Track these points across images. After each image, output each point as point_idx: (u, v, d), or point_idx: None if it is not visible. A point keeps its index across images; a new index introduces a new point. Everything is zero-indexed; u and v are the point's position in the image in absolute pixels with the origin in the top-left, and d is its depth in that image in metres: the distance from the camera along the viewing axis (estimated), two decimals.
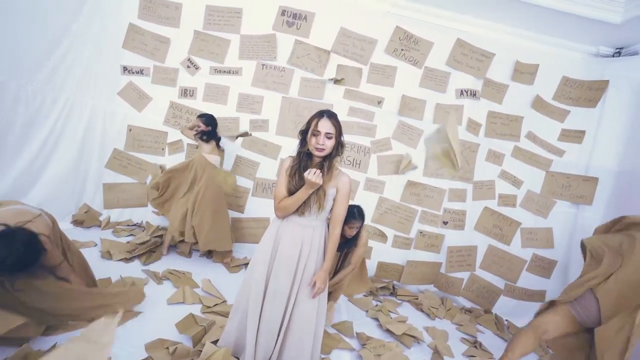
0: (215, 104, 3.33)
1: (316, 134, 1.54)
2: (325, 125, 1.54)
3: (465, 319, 3.03)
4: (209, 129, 2.88)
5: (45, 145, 2.99)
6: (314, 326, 1.65)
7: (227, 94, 3.33)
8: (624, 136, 3.09)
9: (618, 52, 3.24)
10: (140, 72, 3.30)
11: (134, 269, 2.58)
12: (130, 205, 3.35)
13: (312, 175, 1.46)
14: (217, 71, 3.32)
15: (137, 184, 3.36)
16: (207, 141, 2.89)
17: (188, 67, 3.32)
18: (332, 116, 1.58)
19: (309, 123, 1.59)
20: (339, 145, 1.61)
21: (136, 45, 3.26)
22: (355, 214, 2.26)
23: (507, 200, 3.40)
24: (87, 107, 3.15)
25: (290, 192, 1.57)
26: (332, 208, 1.63)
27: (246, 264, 3.09)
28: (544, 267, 3.33)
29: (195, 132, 2.87)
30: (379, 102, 3.28)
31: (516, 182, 3.40)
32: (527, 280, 3.32)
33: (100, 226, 3.15)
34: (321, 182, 1.47)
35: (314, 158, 1.59)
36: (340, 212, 1.62)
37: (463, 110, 3.28)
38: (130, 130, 3.30)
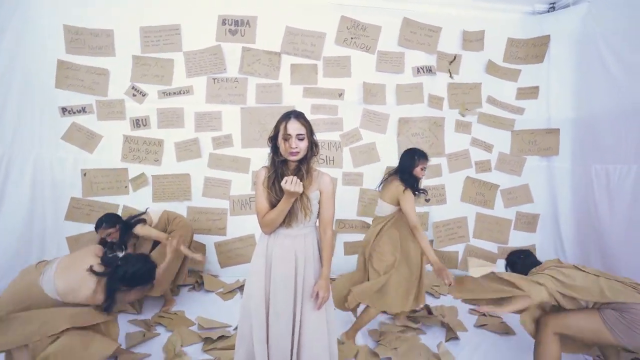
0: (172, 128, 3.14)
1: (287, 137, 1.43)
2: (294, 127, 1.44)
3: None
4: (117, 232, 2.43)
5: None
6: (327, 338, 1.56)
7: (182, 115, 3.14)
8: (573, 85, 3.23)
9: (552, 7, 3.37)
10: (83, 110, 3.04)
11: (121, 324, 2.36)
12: None
13: (290, 184, 1.35)
14: (167, 94, 3.13)
15: None
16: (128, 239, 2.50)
17: (134, 95, 3.10)
18: (299, 116, 1.49)
19: (276, 128, 1.48)
20: (313, 145, 1.52)
21: (71, 83, 3.00)
22: (421, 152, 2.27)
23: (483, 166, 3.47)
24: (28, 159, 2.85)
25: (273, 205, 1.46)
26: (319, 211, 1.54)
27: (240, 288, 2.94)
28: (528, 222, 3.43)
29: (113, 243, 2.42)
30: (340, 94, 3.22)
31: (487, 147, 3.47)
32: (517, 238, 3.41)
33: None
34: (301, 190, 1.36)
35: (290, 164, 1.49)
36: (329, 214, 1.53)
37: (422, 87, 3.30)
38: (85, 174, 3.04)
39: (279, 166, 1.48)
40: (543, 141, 3.36)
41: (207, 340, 2.14)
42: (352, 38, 3.20)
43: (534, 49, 3.35)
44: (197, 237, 3.15)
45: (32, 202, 2.87)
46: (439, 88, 3.36)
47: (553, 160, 3.35)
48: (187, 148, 3.17)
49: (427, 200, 3.30)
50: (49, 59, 2.92)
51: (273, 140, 1.50)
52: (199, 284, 2.99)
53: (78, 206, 3.02)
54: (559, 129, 3.29)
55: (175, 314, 2.48)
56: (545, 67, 3.33)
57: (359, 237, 3.26)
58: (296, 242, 1.52)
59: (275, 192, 1.46)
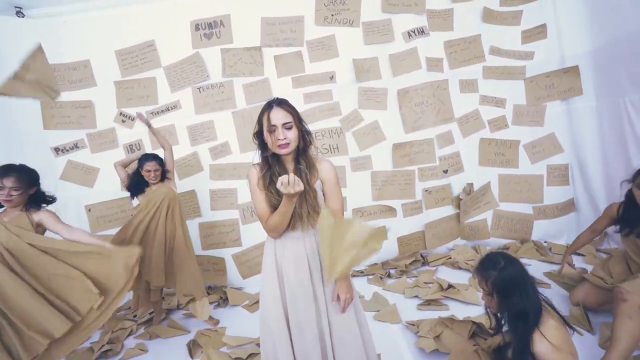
0: None
1: (272, 129, 1.27)
2: (278, 116, 1.27)
3: None
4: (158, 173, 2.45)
5: None
6: (361, 340, 1.39)
7: (175, 132, 3.04)
8: (586, 13, 2.89)
9: None
10: (75, 146, 2.98)
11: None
12: None
13: (288, 185, 1.11)
14: (155, 114, 3.03)
15: None
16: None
17: (123, 121, 3.02)
18: (282, 103, 1.31)
19: (259, 121, 1.31)
20: (305, 134, 1.34)
21: (59, 122, 2.94)
22: None
23: (498, 124, 3.19)
24: None
25: (274, 206, 1.29)
26: (326, 203, 1.35)
27: None
28: (562, 174, 3.13)
29: (152, 178, 2.41)
30: (332, 78, 3.02)
31: (499, 102, 3.19)
32: (552, 194, 3.12)
33: None
34: (301, 188, 1.14)
35: (284, 158, 1.32)
36: (337, 204, 1.35)
37: (417, 52, 3.05)
38: (89, 210, 2.99)
39: (273, 163, 1.31)
40: (561, 83, 3.05)
41: None
42: (332, 15, 2.99)
43: None
44: (213, 252, 3.05)
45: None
46: (436, 49, 3.10)
47: (576, 101, 3.03)
48: (187, 164, 3.07)
49: (445, 172, 3.08)
50: (31, 101, 2.86)
51: (259, 135, 1.33)
52: (223, 300, 2.89)
53: None
54: (577, 66, 2.97)
55: (216, 331, 2.38)
56: (550, 0, 3.00)
57: (379, 223, 3.06)
58: (306, 244, 1.36)
59: (273, 192, 1.29)
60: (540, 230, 3.14)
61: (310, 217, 1.31)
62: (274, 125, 1.26)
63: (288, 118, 1.27)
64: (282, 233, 1.34)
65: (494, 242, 3.18)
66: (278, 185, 1.13)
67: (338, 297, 1.35)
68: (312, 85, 3.02)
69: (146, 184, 2.46)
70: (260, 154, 1.35)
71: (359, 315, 1.44)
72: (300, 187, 1.13)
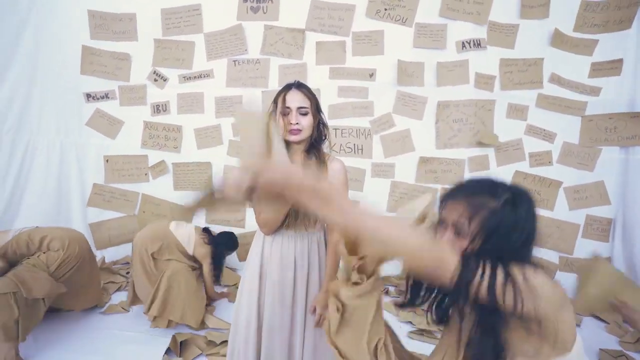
0: (192, 114, 3.01)
1: (286, 112, 1.16)
2: (295, 98, 1.16)
3: None
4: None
5: (13, 195, 2.76)
6: None
7: (202, 100, 3.00)
8: None
9: None
10: (106, 96, 3.02)
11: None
12: (123, 241, 3.07)
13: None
14: (187, 78, 3.00)
15: (126, 217, 3.07)
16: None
17: (155, 80, 3.01)
18: (302, 86, 1.21)
19: (275, 101, 1.21)
20: (321, 125, 1.23)
21: (95, 69, 2.98)
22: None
23: (541, 159, 2.91)
24: (54, 145, 2.89)
25: None
26: None
27: None
28: (602, 228, 2.81)
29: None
30: (371, 75, 2.86)
31: (548, 136, 2.89)
32: (585, 248, 2.81)
33: None
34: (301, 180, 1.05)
35: (293, 147, 1.20)
36: None
37: (468, 65, 2.81)
38: (107, 161, 3.03)
39: None
40: (626, 128, 2.71)
41: (210, 344, 1.96)
42: (385, 9, 2.80)
43: (617, 13, 2.69)
44: (215, 227, 3.01)
45: (58, 189, 2.91)
46: (490, 65, 2.84)
47: (637, 151, 2.69)
48: (208, 135, 3.03)
49: None
50: (74, 45, 2.91)
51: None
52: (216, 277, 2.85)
53: (100, 192, 3.02)
54: None
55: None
56: (633, 33, 2.66)
57: None
58: (297, 245, 1.24)
59: None
60: (564, 284, 2.85)
61: (306, 218, 1.20)
62: (288, 108, 1.16)
63: (305, 103, 1.17)
64: (274, 230, 1.23)
65: None
66: None
67: (315, 309, 1.23)
68: (350, 79, 2.87)
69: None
70: None
71: None
72: (300, 175, 1.01)
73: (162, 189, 3.04)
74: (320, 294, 1.22)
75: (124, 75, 3.00)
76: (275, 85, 2.93)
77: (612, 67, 2.75)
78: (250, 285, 1.27)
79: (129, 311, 2.26)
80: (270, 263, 1.25)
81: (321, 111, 1.25)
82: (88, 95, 3.00)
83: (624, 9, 2.67)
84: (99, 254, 3.01)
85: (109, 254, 3.03)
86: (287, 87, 1.20)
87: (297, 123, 1.15)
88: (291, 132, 1.16)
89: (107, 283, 2.64)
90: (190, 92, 2.99)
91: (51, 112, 2.87)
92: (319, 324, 1.21)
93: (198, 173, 3.06)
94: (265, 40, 2.91)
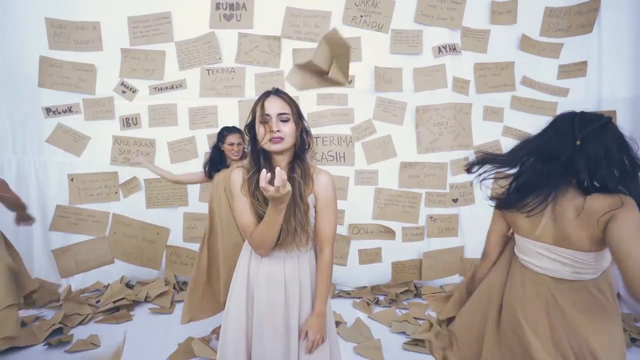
0: (165, 126, 2.85)
1: (265, 119, 1.07)
2: (274, 105, 1.08)
3: None
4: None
5: None
6: None
7: (176, 112, 2.85)
8: (631, 56, 2.69)
9: None
10: (69, 110, 2.80)
11: None
12: (92, 266, 2.84)
13: (275, 188, 0.90)
14: (158, 89, 2.85)
15: (95, 240, 2.84)
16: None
17: (124, 92, 2.84)
18: (281, 92, 1.12)
19: (253, 110, 1.12)
20: (304, 133, 1.14)
21: (55, 81, 2.76)
22: None
23: None
24: (11, 165, 2.63)
25: (261, 217, 1.06)
26: (315, 223, 1.15)
27: None
28: None
29: (235, 153, 2.09)
30: (350, 82, 2.83)
31: (523, 136, 2.96)
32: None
33: (59, 300, 2.62)
34: (288, 190, 0.92)
35: (276, 159, 1.11)
36: (328, 228, 1.14)
37: (445, 69, 2.85)
38: (72, 180, 2.80)
39: (264, 164, 1.09)
40: None
41: None
42: (361, 16, 2.80)
43: (579, 18, 2.83)
44: (193, 246, 2.84)
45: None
46: (465, 70, 2.90)
47: None
48: (182, 148, 2.88)
49: (455, 201, 2.86)
50: (30, 55, 2.69)
51: (251, 128, 1.13)
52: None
53: (64, 215, 2.78)
54: (614, 111, 2.74)
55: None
56: (595, 37, 2.80)
57: (377, 243, 2.84)
58: (287, 266, 1.14)
59: (260, 199, 1.08)
60: None
61: (297, 236, 1.10)
62: (267, 115, 1.07)
63: (285, 109, 1.08)
64: (270, 250, 1.10)
65: None
66: (261, 185, 0.90)
67: (307, 334, 1.13)
68: (329, 87, 2.82)
69: (226, 160, 2.14)
70: (250, 150, 1.14)
71: (333, 355, 1.22)
72: (287, 188, 0.92)
73: (134, 207, 2.84)
74: (312, 318, 1.12)
75: (88, 87, 2.80)
76: (252, 95, 2.84)
77: (578, 68, 2.88)
78: (236, 314, 1.15)
79: (99, 346, 2.05)
80: (257, 286, 1.14)
81: (303, 118, 1.16)
82: (48, 110, 2.77)
83: (584, 14, 2.81)
84: (64, 282, 2.77)
85: (75, 282, 2.78)
86: (266, 94, 1.11)
87: (278, 130, 1.05)
88: (273, 140, 1.06)
89: (70, 315, 2.40)
90: (162, 104, 2.84)
91: (6, 129, 2.62)
92: (311, 350, 1.11)
93: (172, 189, 2.89)
94: (240, 48, 2.82)
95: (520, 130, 2.96)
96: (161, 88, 2.85)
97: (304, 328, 1.11)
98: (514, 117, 2.96)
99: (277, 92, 1.11)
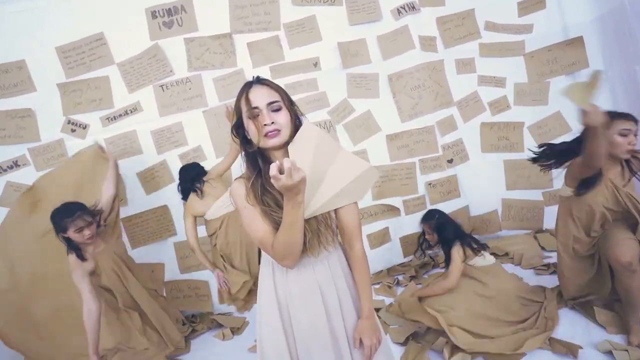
0: (130, 157, 2.59)
1: (254, 113, 0.91)
2: (261, 94, 0.92)
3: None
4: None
5: None
6: None
7: (137, 139, 2.60)
8: None
9: None
10: (15, 165, 2.49)
11: None
12: None
13: (285, 175, 0.75)
14: (111, 119, 2.57)
15: None
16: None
17: (73, 130, 2.55)
18: (263, 80, 0.97)
19: (237, 108, 0.96)
20: (297, 120, 0.99)
21: None
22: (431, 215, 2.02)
23: (499, 105, 2.93)
24: None
25: (278, 223, 0.91)
26: (338, 220, 1.01)
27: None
28: None
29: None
30: (315, 64, 2.66)
31: (499, 82, 2.92)
32: (560, 178, 2.87)
33: None
34: (303, 175, 0.78)
35: (273, 155, 0.96)
36: (351, 219, 1.00)
37: (409, 30, 2.73)
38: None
39: (264, 166, 0.94)
40: (565, 56, 2.80)
41: None
42: None
43: None
44: (195, 275, 2.64)
45: None
46: (429, 26, 2.79)
47: (583, 74, 2.80)
48: (154, 176, 2.64)
49: (450, 162, 2.79)
50: None
51: (239, 129, 0.97)
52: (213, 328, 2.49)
53: None
54: (581, 37, 2.73)
55: None
56: None
57: (383, 224, 2.74)
58: (317, 272, 1.00)
59: (271, 203, 0.93)
60: (553, 217, 2.89)
61: (322, 235, 0.96)
62: (255, 108, 0.91)
63: (274, 96, 0.94)
64: (297, 258, 0.93)
65: (507, 236, 2.92)
66: (271, 173, 0.75)
67: (361, 342, 0.99)
68: (294, 75, 2.65)
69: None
70: (244, 154, 0.98)
71: (388, 356, 1.09)
72: (301, 173, 0.77)
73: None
74: (362, 322, 0.99)
75: (30, 135, 2.49)
76: (215, 102, 2.62)
77: (536, 1, 2.83)
78: (274, 334, 1.00)
79: None
80: (293, 307, 0.99)
81: (294, 103, 1.01)
82: None
83: None
84: None
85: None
86: (247, 86, 0.95)
87: (272, 122, 0.91)
88: (268, 135, 0.91)
89: None
90: (120, 133, 2.57)
91: None
92: (370, 357, 0.98)
93: (155, 221, 2.66)
94: (190, 55, 2.58)
95: (495, 77, 2.91)
96: (114, 117, 2.57)
97: (355, 335, 0.99)
98: (485, 64, 2.89)
99: (260, 80, 0.96)
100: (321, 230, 0.94)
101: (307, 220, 0.92)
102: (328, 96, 2.69)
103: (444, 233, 1.89)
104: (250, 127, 0.92)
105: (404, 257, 2.79)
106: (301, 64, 2.65)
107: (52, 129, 2.51)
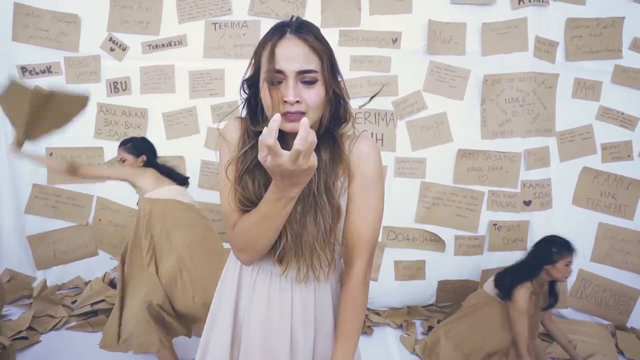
0: (160, 94, 2.34)
1: (276, 79, 0.63)
2: (293, 54, 0.62)
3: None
4: (143, 159, 1.80)
5: None
6: None
7: (173, 76, 2.32)
8: None
9: None
10: (48, 70, 2.33)
11: None
12: (73, 258, 2.41)
13: (290, 155, 0.51)
14: (153, 47, 2.32)
15: (77, 227, 2.41)
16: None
17: (112, 49, 2.33)
18: (303, 29, 0.64)
19: (257, 56, 0.67)
20: (340, 101, 0.71)
21: (33, 34, 2.29)
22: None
23: (617, 152, 2.24)
24: None
25: (254, 203, 0.67)
26: (345, 218, 0.72)
27: None
28: None
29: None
30: (395, 41, 2.17)
31: (627, 122, 2.22)
32: None
33: (31, 295, 2.21)
34: (313, 162, 0.53)
35: (289, 139, 0.66)
36: (365, 225, 0.71)
37: (527, 25, 2.12)
38: (50, 154, 2.35)
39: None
40: None
41: None
42: None
43: None
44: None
45: None
46: (553, 27, 2.16)
47: None
48: (180, 121, 2.37)
49: (527, 204, 2.18)
50: (2, 2, 2.23)
51: (250, 86, 0.72)
52: None
53: (42, 196, 2.35)
54: None
55: None
56: None
57: (420, 255, 2.23)
58: (295, 297, 0.75)
59: (260, 182, 0.69)
60: None
61: (315, 255, 0.69)
62: (279, 72, 0.62)
63: (311, 63, 0.63)
64: (257, 258, 0.71)
65: (569, 314, 2.27)
66: (262, 139, 0.51)
67: None
68: (366, 46, 2.19)
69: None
70: (249, 121, 0.73)
71: None
72: (312, 160, 0.53)
73: (121, 190, 2.34)
74: (338, 344, 0.71)
75: (71, 43, 2.31)
76: None
77: None
78: (220, 343, 0.78)
79: None
80: (250, 316, 0.75)
81: (339, 74, 0.72)
82: (24, 69, 2.31)
83: None
84: (40, 275, 2.36)
85: (52, 275, 2.36)
86: (278, 32, 0.64)
87: (297, 101, 0.62)
88: (287, 117, 0.63)
89: (41, 317, 1.99)
90: (158, 65, 2.32)
91: None
92: None
93: None
94: None
95: (623, 114, 2.22)
96: (156, 45, 2.31)
97: None
98: (615, 94, 2.22)
99: (299, 31, 0.63)
100: (316, 248, 0.67)
101: (302, 225, 0.67)
102: (399, 82, 2.20)
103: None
104: (265, 94, 0.64)
105: (436, 302, 2.28)
106: (378, 36, 2.17)
107: (92, 42, 2.32)
